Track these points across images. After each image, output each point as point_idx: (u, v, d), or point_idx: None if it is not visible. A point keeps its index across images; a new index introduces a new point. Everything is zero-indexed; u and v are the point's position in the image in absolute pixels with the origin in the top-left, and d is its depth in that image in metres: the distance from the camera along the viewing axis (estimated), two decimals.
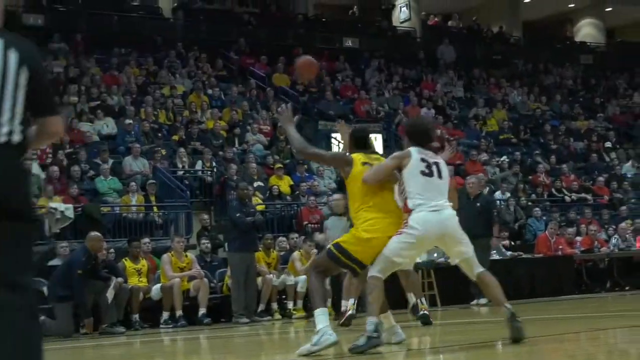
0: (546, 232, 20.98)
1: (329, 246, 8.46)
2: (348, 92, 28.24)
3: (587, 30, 39.61)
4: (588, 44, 39.01)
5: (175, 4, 30.62)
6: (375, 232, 8.10)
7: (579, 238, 21.55)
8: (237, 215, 15.98)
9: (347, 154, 8.73)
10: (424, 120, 12.24)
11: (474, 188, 16.96)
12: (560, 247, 20.38)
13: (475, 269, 8.36)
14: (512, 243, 21.36)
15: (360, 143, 8.87)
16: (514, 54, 35.80)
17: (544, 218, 22.56)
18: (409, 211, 8.22)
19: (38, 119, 4.24)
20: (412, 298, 13.76)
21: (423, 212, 8.13)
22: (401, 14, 35.98)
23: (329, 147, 23.69)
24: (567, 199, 24.67)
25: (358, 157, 8.47)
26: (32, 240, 4.53)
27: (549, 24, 40.32)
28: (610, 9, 39.29)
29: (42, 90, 4.19)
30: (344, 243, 8.19)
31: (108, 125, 22.19)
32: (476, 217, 16.28)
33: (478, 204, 16.57)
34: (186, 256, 16.35)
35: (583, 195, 25.20)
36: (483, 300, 16.15)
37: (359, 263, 8.19)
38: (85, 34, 26.84)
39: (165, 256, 16.14)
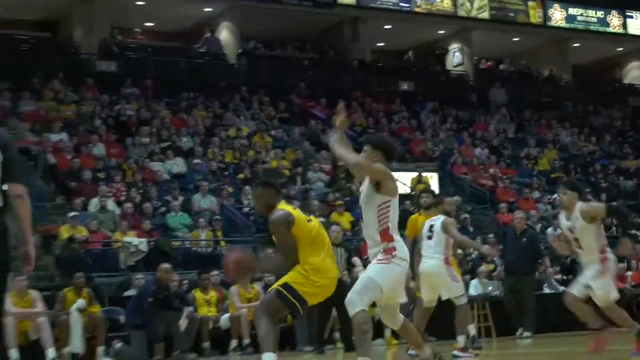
0: None
1: (277, 286, 7.60)
2: (404, 133, 28.39)
3: (635, 73, 39.51)
4: (636, 86, 38.88)
5: (240, 51, 31.00)
6: (326, 274, 7.63)
7: (629, 273, 21.47)
8: None
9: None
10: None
11: (521, 223, 16.96)
12: None
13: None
14: (565, 277, 21.36)
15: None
16: (564, 97, 35.76)
17: None
18: (390, 239, 7.59)
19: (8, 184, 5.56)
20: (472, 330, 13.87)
21: (404, 245, 7.71)
22: (454, 58, 36.12)
23: None
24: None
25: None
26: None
27: (598, 67, 40.21)
28: None
29: (9, 164, 5.55)
30: (294, 283, 7.51)
31: (178, 165, 22.57)
32: (522, 253, 16.40)
33: (524, 239, 16.60)
34: (253, 288, 16.59)
35: (634, 232, 25.14)
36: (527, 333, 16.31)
37: (304, 303, 7.55)
38: (154, 80, 27.29)
39: (233, 288, 16.36)
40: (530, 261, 16.52)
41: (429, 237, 11.92)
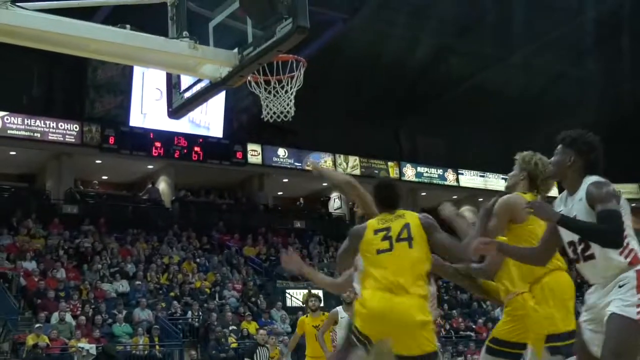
0: None
1: None
2: None
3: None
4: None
5: (173, 198, 30.68)
6: None
7: None
8: (213, 352, 15.69)
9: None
10: None
11: None
12: None
13: None
14: None
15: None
16: None
17: (441, 350, 22.29)
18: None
19: None
20: None
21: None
22: (334, 203, 36.34)
23: (284, 299, 23.41)
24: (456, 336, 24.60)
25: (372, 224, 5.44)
26: None
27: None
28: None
29: None
30: None
31: (123, 285, 21.91)
32: None
33: None
34: None
35: (468, 333, 25.11)
36: None
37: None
38: (107, 219, 26.64)
39: None
40: None
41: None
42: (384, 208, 5.46)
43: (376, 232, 5.30)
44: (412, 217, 5.39)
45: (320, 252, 29.96)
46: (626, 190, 41.22)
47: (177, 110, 7.53)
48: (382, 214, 5.44)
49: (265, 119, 7.77)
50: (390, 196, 5.51)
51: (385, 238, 5.24)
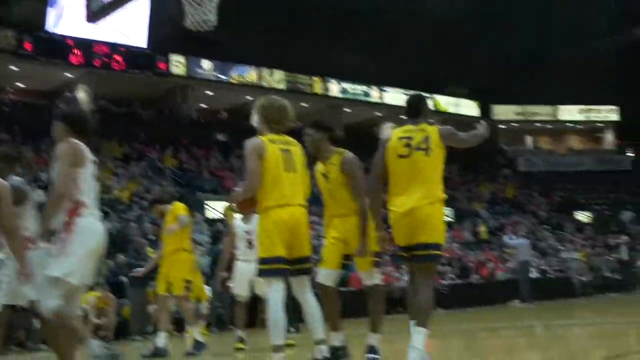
0: (356, 272, 21.08)
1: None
2: (218, 172, 28.12)
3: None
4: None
5: (94, 107, 29.95)
6: None
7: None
8: (133, 262, 15.41)
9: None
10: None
11: None
12: None
13: None
14: None
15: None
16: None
17: None
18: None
19: None
20: None
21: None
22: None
23: (203, 211, 23.32)
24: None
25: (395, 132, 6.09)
26: None
27: (363, 127, 41.02)
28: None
29: None
30: None
31: (39, 195, 21.24)
32: None
33: None
34: None
35: None
36: None
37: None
38: (22, 127, 25.87)
39: None
40: None
41: None
42: (409, 117, 6.11)
43: (400, 139, 5.93)
44: (433, 130, 5.97)
45: (242, 164, 29.88)
46: None
47: (96, 14, 7.26)
48: (407, 125, 6.04)
49: (188, 27, 7.59)
50: (415, 106, 6.17)
51: (406, 145, 5.88)
